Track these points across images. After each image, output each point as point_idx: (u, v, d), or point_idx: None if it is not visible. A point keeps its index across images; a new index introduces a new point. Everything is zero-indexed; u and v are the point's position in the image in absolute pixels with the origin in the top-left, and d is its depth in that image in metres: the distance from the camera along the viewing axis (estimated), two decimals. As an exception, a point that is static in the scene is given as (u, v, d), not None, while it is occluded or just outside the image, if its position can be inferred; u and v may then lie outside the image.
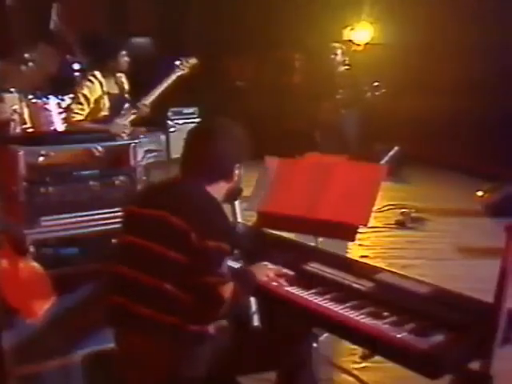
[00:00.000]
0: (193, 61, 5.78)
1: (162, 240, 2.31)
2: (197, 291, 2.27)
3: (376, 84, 8.65)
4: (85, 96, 5.34)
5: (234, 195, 2.71)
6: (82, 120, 5.29)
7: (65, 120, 5.21)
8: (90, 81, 5.40)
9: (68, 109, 5.30)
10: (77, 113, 5.29)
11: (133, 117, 5.52)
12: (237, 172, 2.55)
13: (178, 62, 5.68)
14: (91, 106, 5.36)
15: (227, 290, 2.31)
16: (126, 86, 5.64)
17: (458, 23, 9.41)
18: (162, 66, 5.90)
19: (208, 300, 2.30)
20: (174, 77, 5.65)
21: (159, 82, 5.63)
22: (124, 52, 5.53)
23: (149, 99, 5.59)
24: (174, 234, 2.29)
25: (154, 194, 2.57)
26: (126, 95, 5.59)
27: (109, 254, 2.49)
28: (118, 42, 5.78)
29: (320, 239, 3.07)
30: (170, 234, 2.30)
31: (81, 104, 5.32)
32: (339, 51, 7.97)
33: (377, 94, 8.52)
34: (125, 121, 5.45)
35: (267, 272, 2.57)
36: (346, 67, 8.00)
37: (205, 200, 2.40)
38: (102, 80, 5.43)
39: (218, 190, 2.51)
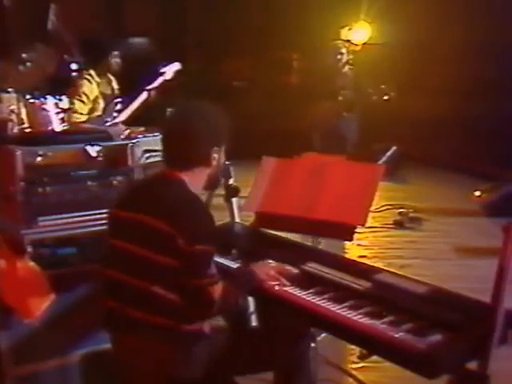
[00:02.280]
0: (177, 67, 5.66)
1: (148, 244, 2.30)
2: (186, 293, 2.26)
3: (382, 87, 8.43)
4: (86, 95, 5.32)
5: (215, 182, 2.62)
6: (84, 121, 5.27)
7: (67, 121, 5.18)
8: (88, 80, 5.38)
9: (70, 109, 5.26)
10: (81, 113, 5.26)
11: (136, 105, 5.52)
12: (216, 156, 2.46)
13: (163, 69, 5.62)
14: (90, 105, 5.35)
15: (217, 290, 2.30)
16: (116, 87, 5.62)
17: (457, 22, 9.42)
18: (159, 66, 5.87)
19: (198, 301, 2.29)
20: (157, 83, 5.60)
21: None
22: (116, 52, 5.51)
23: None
24: (159, 238, 2.27)
25: (136, 195, 2.50)
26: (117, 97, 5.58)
27: (104, 255, 2.49)
28: (111, 41, 5.76)
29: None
30: (156, 239, 2.28)
31: (83, 103, 5.29)
32: (344, 50, 7.65)
33: (385, 98, 8.28)
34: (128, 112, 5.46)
35: (268, 270, 2.54)
36: (350, 67, 7.70)
37: (188, 201, 2.35)
38: (98, 80, 5.43)
39: (198, 177, 2.45)
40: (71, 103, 5.21)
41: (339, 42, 7.76)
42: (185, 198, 2.37)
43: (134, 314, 2.30)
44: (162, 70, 5.62)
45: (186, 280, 2.26)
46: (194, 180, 2.43)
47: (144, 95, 5.55)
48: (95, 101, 5.38)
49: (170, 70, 5.63)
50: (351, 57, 7.63)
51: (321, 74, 8.05)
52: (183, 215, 2.29)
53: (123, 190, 2.97)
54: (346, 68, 7.54)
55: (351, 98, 7.60)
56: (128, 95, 5.62)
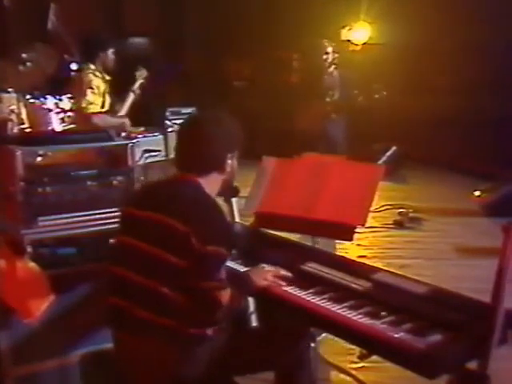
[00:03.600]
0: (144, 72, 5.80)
1: (160, 243, 2.30)
2: (194, 295, 2.26)
3: (375, 86, 8.30)
4: (98, 87, 5.31)
5: (229, 188, 2.65)
6: (100, 112, 5.27)
7: (80, 115, 5.16)
8: (93, 74, 5.36)
9: (80, 100, 5.23)
10: (96, 104, 5.25)
11: (130, 102, 5.57)
12: (230, 162, 2.50)
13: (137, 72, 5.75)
14: (101, 98, 5.34)
15: (225, 295, 2.31)
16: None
17: (457, 22, 9.42)
18: (158, 66, 5.88)
19: (205, 304, 2.29)
20: (137, 85, 5.69)
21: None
22: (112, 50, 5.50)
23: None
24: (173, 237, 2.27)
25: (151, 194, 2.52)
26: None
27: (106, 255, 2.49)
28: (108, 39, 5.76)
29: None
30: (170, 238, 2.28)
31: (95, 94, 5.28)
32: (330, 49, 7.53)
33: (376, 96, 8.16)
34: (125, 109, 5.51)
35: (265, 276, 2.55)
36: (335, 67, 7.58)
37: (204, 202, 2.38)
38: (100, 74, 5.41)
39: (213, 182, 2.48)
40: (81, 98, 5.21)
41: (326, 40, 7.63)
42: (201, 198, 2.39)
43: (141, 314, 2.30)
44: (136, 73, 5.70)
45: (193, 282, 2.26)
46: (209, 185, 2.46)
47: (131, 95, 5.61)
48: (104, 95, 5.37)
49: (142, 73, 5.73)
50: (336, 56, 7.49)
51: (311, 73, 7.96)
52: (198, 214, 2.30)
53: (137, 189, 2.99)
54: (332, 68, 7.41)
55: (338, 99, 7.49)
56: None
